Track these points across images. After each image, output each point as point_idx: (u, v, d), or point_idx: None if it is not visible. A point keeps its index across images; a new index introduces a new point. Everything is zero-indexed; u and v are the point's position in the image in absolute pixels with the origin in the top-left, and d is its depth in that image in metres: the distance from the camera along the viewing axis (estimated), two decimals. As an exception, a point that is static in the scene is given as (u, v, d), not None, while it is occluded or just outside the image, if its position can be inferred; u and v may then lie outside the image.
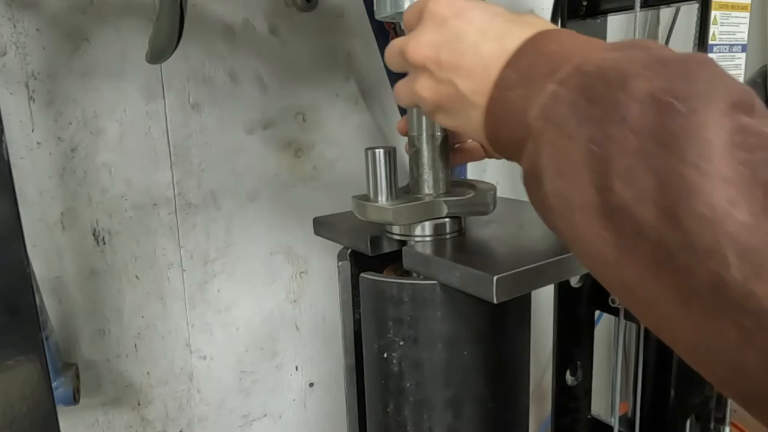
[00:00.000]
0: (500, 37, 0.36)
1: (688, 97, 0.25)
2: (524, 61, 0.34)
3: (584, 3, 0.80)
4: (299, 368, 0.88)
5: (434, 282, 0.51)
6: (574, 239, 0.30)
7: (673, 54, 0.29)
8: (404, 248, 0.55)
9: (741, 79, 0.70)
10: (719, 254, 0.23)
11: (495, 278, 0.44)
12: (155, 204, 0.72)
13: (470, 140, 0.54)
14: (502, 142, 0.36)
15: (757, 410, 0.24)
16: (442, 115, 0.41)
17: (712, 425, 0.88)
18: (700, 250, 0.23)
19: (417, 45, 0.39)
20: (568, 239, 0.31)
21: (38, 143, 0.64)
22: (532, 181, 0.33)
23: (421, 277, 0.54)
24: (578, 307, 0.89)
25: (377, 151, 0.53)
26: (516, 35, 0.35)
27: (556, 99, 0.30)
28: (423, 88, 0.40)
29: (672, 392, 0.81)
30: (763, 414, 0.24)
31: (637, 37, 0.73)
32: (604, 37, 0.86)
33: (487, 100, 0.36)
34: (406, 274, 0.58)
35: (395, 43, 0.42)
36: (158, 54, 0.54)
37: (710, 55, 0.66)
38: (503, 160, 0.40)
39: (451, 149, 0.55)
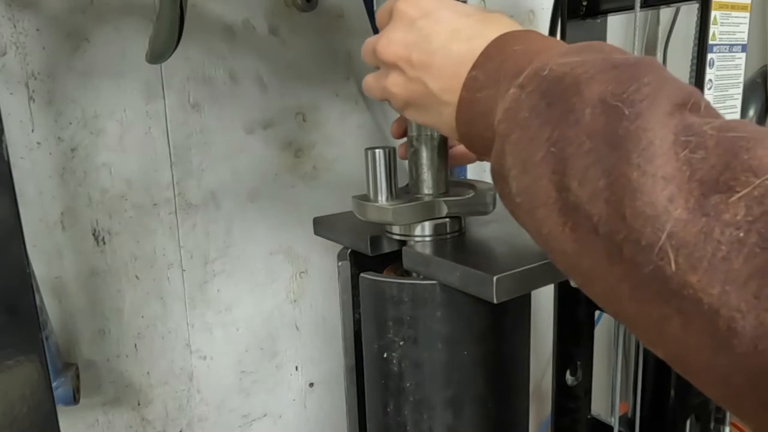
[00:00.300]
0: (469, 38, 0.37)
1: (634, 101, 0.27)
2: (490, 63, 0.36)
3: (584, 3, 0.80)
4: (299, 368, 0.88)
5: (434, 282, 0.51)
6: (539, 233, 0.32)
7: (624, 57, 0.31)
8: (404, 248, 0.55)
9: (741, 80, 0.70)
10: (660, 248, 0.24)
11: (495, 278, 0.44)
12: (155, 204, 0.72)
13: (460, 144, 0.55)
14: (475, 141, 0.38)
15: (702, 383, 0.26)
16: (413, 111, 0.43)
17: (712, 425, 0.88)
18: (644, 244, 0.25)
19: (388, 44, 0.40)
20: (533, 233, 0.33)
21: (38, 143, 0.64)
22: (499, 179, 0.35)
23: (421, 277, 0.54)
24: (578, 307, 0.89)
25: (377, 151, 0.53)
26: (484, 36, 0.37)
27: (518, 102, 0.32)
28: (393, 84, 0.41)
29: (672, 392, 0.81)
30: (705, 385, 0.26)
31: (636, 38, 0.73)
32: (604, 37, 0.86)
33: (458, 101, 0.37)
34: (406, 274, 0.58)
35: (369, 42, 0.44)
36: (158, 54, 0.54)
37: (710, 55, 0.66)
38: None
39: None
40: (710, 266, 0.23)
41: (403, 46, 0.40)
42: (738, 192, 0.23)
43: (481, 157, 0.39)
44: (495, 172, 0.35)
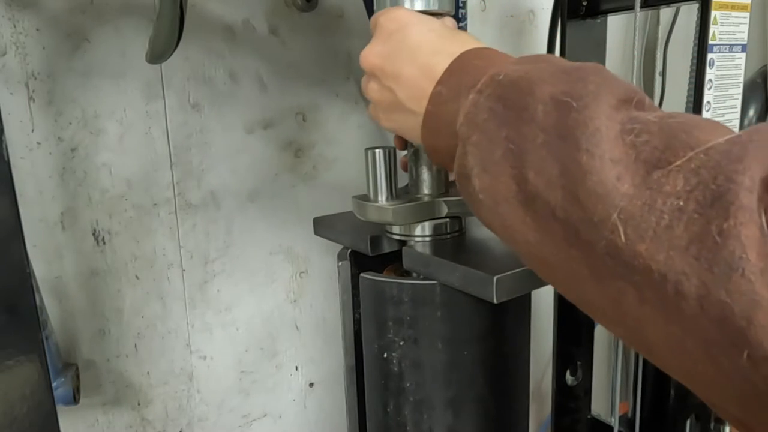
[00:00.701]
0: (433, 52, 0.41)
1: (581, 96, 0.30)
2: (453, 78, 0.39)
3: (584, 3, 0.80)
4: (299, 368, 0.88)
5: (434, 282, 0.51)
6: (502, 228, 0.34)
7: (571, 64, 0.34)
8: (404, 248, 0.55)
9: (741, 80, 0.70)
10: (611, 223, 0.26)
11: (495, 278, 0.44)
12: (155, 204, 0.72)
13: None
14: (440, 151, 0.41)
15: (661, 357, 0.28)
16: (383, 116, 0.47)
17: (712, 425, 0.88)
18: (596, 222, 0.27)
19: (368, 54, 0.45)
20: (497, 229, 0.35)
21: (38, 143, 0.64)
22: (463, 180, 0.37)
23: (421, 277, 0.54)
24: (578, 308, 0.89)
25: (377, 151, 0.53)
26: (446, 51, 0.41)
27: (477, 106, 0.35)
28: (371, 90, 0.46)
29: (672, 392, 0.81)
30: (664, 358, 0.27)
31: (636, 38, 0.73)
32: (604, 37, 0.86)
33: (424, 115, 0.41)
34: (406, 274, 0.58)
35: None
36: (158, 54, 0.54)
37: (710, 55, 0.66)
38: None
39: None
40: (655, 235, 0.25)
41: (379, 57, 0.44)
42: (677, 165, 0.25)
43: (446, 167, 0.42)
44: (458, 174, 0.37)
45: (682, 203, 0.24)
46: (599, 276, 0.28)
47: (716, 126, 0.27)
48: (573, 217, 0.28)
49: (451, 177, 0.44)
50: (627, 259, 0.26)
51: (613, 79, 0.31)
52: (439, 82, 0.40)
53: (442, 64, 0.40)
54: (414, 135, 0.44)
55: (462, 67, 0.39)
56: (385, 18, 0.45)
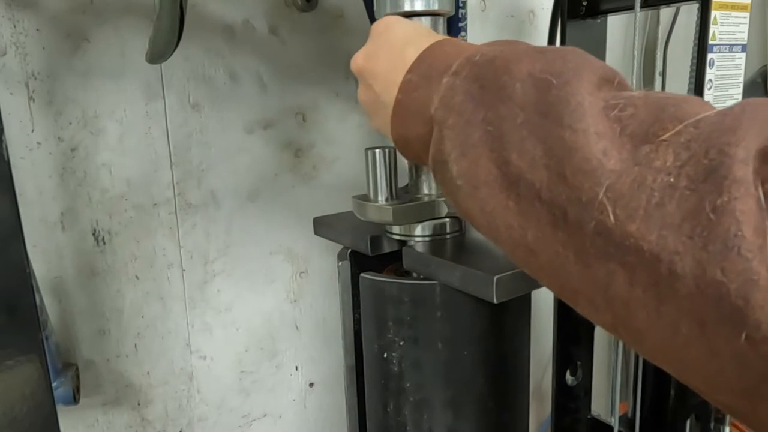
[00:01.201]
0: (407, 44, 0.41)
1: (561, 72, 0.29)
2: (423, 65, 0.38)
3: (584, 3, 0.80)
4: (299, 368, 0.88)
5: (434, 282, 0.51)
6: (482, 213, 0.32)
7: (548, 46, 0.34)
8: (404, 248, 0.55)
9: (741, 80, 0.70)
10: (599, 202, 0.25)
11: (495, 278, 0.44)
12: (155, 204, 0.72)
13: None
14: (411, 141, 0.40)
15: (649, 343, 0.26)
16: (370, 117, 0.47)
17: (712, 425, 0.88)
18: (584, 201, 0.26)
19: (355, 57, 0.46)
20: (476, 215, 0.34)
21: (38, 143, 0.64)
22: (439, 167, 0.36)
23: (421, 277, 0.54)
24: (578, 307, 0.89)
25: (377, 151, 0.53)
26: (419, 44, 0.40)
27: (453, 89, 0.34)
28: (359, 92, 0.46)
29: (672, 392, 0.81)
30: (652, 344, 0.26)
31: (636, 38, 0.73)
32: (604, 37, 0.86)
33: (393, 104, 0.40)
34: (406, 274, 0.58)
35: None
36: (158, 54, 0.54)
37: (710, 55, 0.66)
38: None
39: None
40: (646, 213, 0.23)
41: (362, 58, 0.45)
42: (666, 140, 0.24)
43: (417, 159, 0.41)
44: (434, 160, 0.36)
45: (673, 179, 0.23)
46: (587, 259, 0.26)
47: (704, 102, 0.26)
48: (560, 197, 0.27)
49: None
50: (617, 240, 0.24)
51: (593, 59, 0.31)
52: (409, 70, 0.39)
53: (412, 54, 0.40)
54: (388, 130, 0.43)
55: (432, 54, 0.39)
56: (376, 23, 0.46)
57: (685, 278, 0.22)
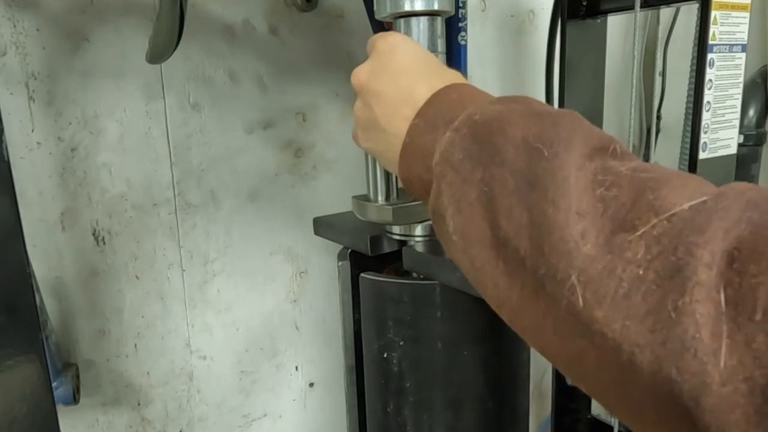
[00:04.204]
0: (414, 79, 0.42)
1: (552, 142, 0.29)
2: (430, 110, 0.39)
3: (584, 3, 0.80)
4: (299, 368, 0.88)
5: (434, 282, 0.51)
6: (473, 269, 0.33)
7: (545, 107, 0.34)
8: (404, 248, 0.55)
9: (741, 80, 0.70)
10: (571, 283, 0.26)
11: (495, 278, 0.44)
12: (155, 204, 0.72)
13: None
14: (414, 183, 0.40)
15: (624, 417, 0.27)
16: (361, 134, 0.47)
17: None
18: (559, 279, 0.26)
19: (358, 71, 0.46)
20: (468, 270, 0.35)
21: (38, 143, 0.64)
22: (437, 219, 0.37)
23: (421, 277, 0.54)
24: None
25: (377, 151, 0.53)
26: (427, 81, 0.41)
27: (453, 146, 0.34)
28: (357, 107, 0.47)
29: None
30: (626, 419, 0.27)
31: (636, 38, 0.73)
32: (604, 37, 0.86)
33: (402, 147, 0.40)
34: (406, 274, 0.58)
35: None
36: (158, 54, 0.54)
37: (710, 55, 0.66)
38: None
39: None
40: (613, 302, 0.24)
41: (365, 74, 0.45)
42: (639, 231, 0.24)
43: (420, 198, 0.41)
44: (433, 212, 0.37)
45: (641, 272, 0.24)
46: (562, 332, 0.27)
47: (686, 182, 0.26)
48: (540, 269, 0.28)
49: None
50: (586, 322, 0.25)
51: (587, 127, 0.31)
52: (418, 114, 0.40)
53: (419, 91, 0.41)
54: (385, 157, 0.45)
55: (440, 100, 0.39)
56: (381, 40, 0.46)
57: (644, 371, 0.23)
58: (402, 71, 0.43)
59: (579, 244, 0.26)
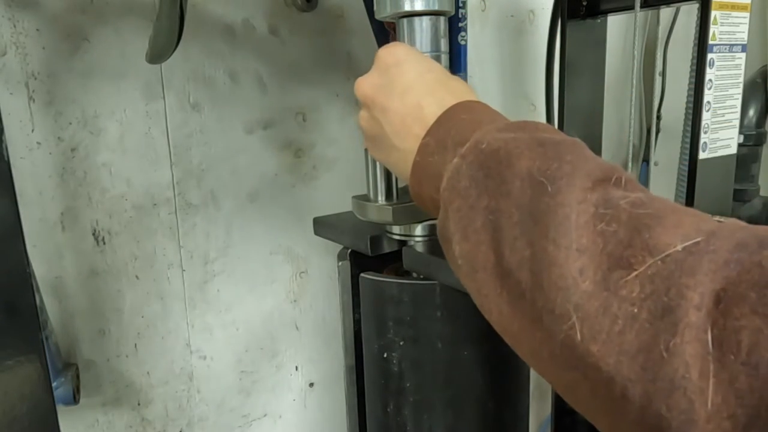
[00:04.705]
0: (423, 95, 0.42)
1: (555, 177, 0.30)
2: (441, 129, 0.39)
3: (584, 3, 0.80)
4: (299, 368, 0.88)
5: (434, 282, 0.51)
6: (479, 295, 0.34)
7: (550, 137, 0.34)
8: (404, 248, 0.55)
9: (741, 80, 0.70)
10: (569, 318, 0.27)
11: (495, 278, 0.44)
12: (155, 204, 0.72)
13: None
14: (426, 201, 0.41)
15: None
16: (370, 145, 0.48)
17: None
18: (557, 314, 0.27)
19: (362, 83, 0.46)
20: (474, 294, 0.35)
21: (38, 143, 0.64)
22: (444, 243, 0.37)
23: (421, 277, 0.54)
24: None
25: (377, 151, 0.53)
26: (437, 97, 0.41)
27: (459, 173, 0.35)
28: (362, 118, 0.47)
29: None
30: None
31: (636, 38, 0.73)
32: (604, 37, 0.86)
33: (412, 165, 0.41)
34: (406, 274, 0.58)
35: None
36: (158, 54, 0.54)
37: (710, 55, 0.66)
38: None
39: None
40: (608, 338, 0.25)
41: (372, 88, 0.45)
42: (635, 270, 0.25)
43: (431, 214, 0.42)
44: (441, 236, 0.38)
45: (635, 310, 0.25)
46: (557, 363, 0.28)
47: (682, 220, 0.27)
48: (538, 303, 0.29)
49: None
50: (581, 355, 0.26)
51: (590, 158, 0.32)
52: (428, 133, 0.40)
53: (429, 109, 0.41)
54: (397, 170, 0.45)
55: (449, 119, 0.40)
56: (386, 52, 0.46)
57: (634, 404, 0.24)
58: (409, 86, 0.43)
59: (578, 281, 0.27)
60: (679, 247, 0.25)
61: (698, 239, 0.25)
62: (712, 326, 0.23)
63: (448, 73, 0.46)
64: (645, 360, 0.24)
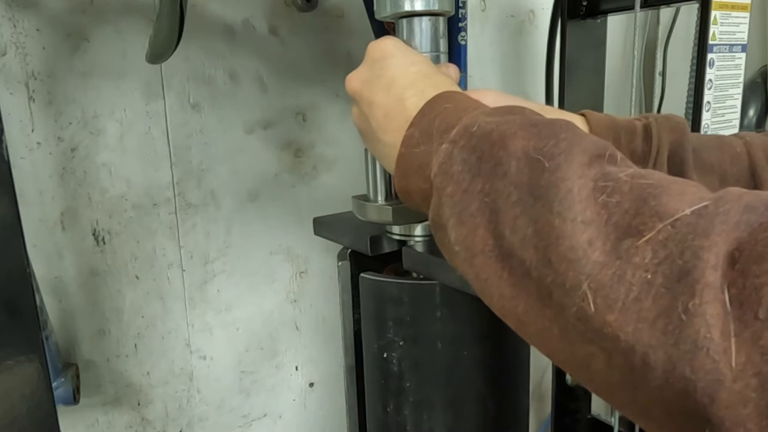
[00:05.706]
0: (406, 87, 0.42)
1: (553, 154, 0.30)
2: (424, 120, 0.39)
3: (584, 3, 0.80)
4: (299, 368, 0.88)
5: (434, 282, 0.51)
6: (478, 280, 0.34)
7: (541, 118, 0.34)
8: (404, 248, 0.55)
9: (741, 80, 0.70)
10: (581, 290, 0.26)
11: (495, 278, 0.44)
12: (155, 204, 0.72)
13: None
14: (413, 194, 0.40)
15: (630, 415, 0.28)
16: (363, 138, 0.48)
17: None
18: (568, 287, 0.27)
19: (351, 78, 0.46)
20: (473, 280, 0.35)
21: (38, 143, 0.64)
22: (438, 230, 0.37)
23: (421, 277, 0.54)
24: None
25: (377, 151, 0.53)
26: (419, 89, 0.41)
27: (451, 157, 0.35)
28: (354, 113, 0.47)
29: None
30: (632, 417, 0.28)
31: (636, 38, 0.73)
32: (604, 37, 0.86)
33: (396, 157, 0.40)
34: (406, 274, 0.58)
35: None
36: (158, 54, 0.54)
37: (710, 55, 0.66)
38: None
39: None
40: (624, 306, 0.25)
41: (359, 82, 0.45)
42: (645, 236, 0.25)
43: (418, 209, 0.41)
44: (434, 223, 0.37)
45: (650, 276, 0.25)
46: (569, 338, 0.28)
47: (684, 189, 0.27)
48: (546, 279, 0.28)
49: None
50: (596, 327, 0.26)
51: (584, 136, 0.32)
52: (412, 125, 0.40)
53: (410, 101, 0.41)
54: (385, 164, 0.45)
55: (432, 109, 0.39)
56: (374, 46, 0.46)
57: (657, 371, 0.24)
58: (393, 79, 0.43)
59: (588, 252, 0.27)
60: (687, 211, 0.25)
61: (706, 203, 0.25)
62: (729, 286, 0.23)
63: (433, 67, 0.46)
64: (665, 324, 0.24)
